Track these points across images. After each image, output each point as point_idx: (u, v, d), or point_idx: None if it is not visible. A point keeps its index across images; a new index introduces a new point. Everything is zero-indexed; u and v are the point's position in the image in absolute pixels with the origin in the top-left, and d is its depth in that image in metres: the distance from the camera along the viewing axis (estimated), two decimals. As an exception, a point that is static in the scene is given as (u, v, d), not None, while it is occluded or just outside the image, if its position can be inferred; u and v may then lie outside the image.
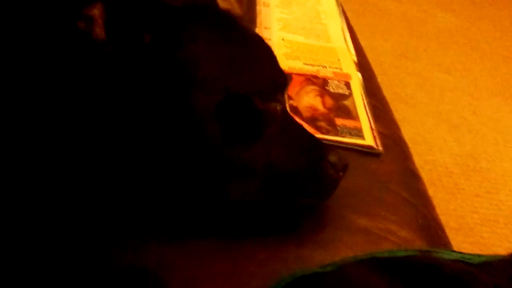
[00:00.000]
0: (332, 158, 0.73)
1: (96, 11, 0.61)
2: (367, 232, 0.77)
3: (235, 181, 0.68)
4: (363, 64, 1.13)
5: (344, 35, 1.17)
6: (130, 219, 0.69)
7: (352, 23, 1.33)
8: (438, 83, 2.54)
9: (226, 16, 0.72)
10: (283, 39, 1.10)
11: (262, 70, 0.70)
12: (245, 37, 0.72)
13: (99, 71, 0.62)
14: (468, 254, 0.63)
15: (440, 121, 2.30)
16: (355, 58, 1.11)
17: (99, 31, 0.61)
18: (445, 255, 0.62)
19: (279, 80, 0.72)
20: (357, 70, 1.07)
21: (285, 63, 1.00)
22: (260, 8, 1.20)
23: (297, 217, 0.74)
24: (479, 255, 0.63)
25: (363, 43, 1.28)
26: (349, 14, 1.36)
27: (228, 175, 0.68)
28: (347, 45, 1.14)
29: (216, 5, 0.73)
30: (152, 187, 0.67)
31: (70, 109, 0.62)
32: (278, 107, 0.70)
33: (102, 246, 0.67)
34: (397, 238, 0.78)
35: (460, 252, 0.65)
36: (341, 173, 0.74)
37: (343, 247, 0.74)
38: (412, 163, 0.96)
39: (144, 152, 0.65)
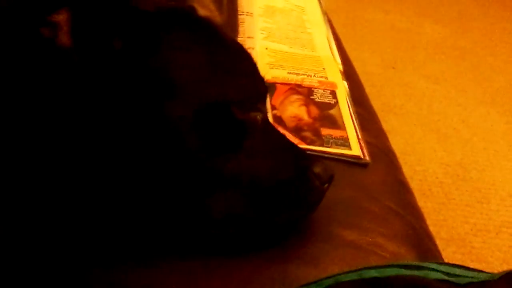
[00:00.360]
0: (317, 168, 0.70)
1: (61, 17, 0.58)
2: (355, 246, 0.74)
3: (216, 195, 0.65)
4: (349, 74, 1.11)
5: (329, 44, 1.15)
6: (109, 237, 0.65)
7: (340, 34, 1.31)
8: (426, 93, 2.54)
9: (204, 22, 0.70)
10: (266, 48, 1.08)
11: (242, 78, 0.67)
12: (224, 44, 0.69)
13: (64, 80, 0.59)
14: (458, 268, 0.60)
15: (429, 131, 2.29)
16: (341, 67, 1.08)
17: (64, 38, 0.58)
18: (432, 274, 0.59)
19: (260, 88, 0.69)
20: (343, 79, 1.04)
21: (269, 73, 0.97)
22: (243, 18, 1.17)
23: (281, 231, 0.71)
24: (467, 271, 0.60)
25: (350, 54, 1.26)
26: (336, 26, 1.34)
27: (208, 189, 0.65)
28: (332, 54, 1.11)
29: (194, 11, 0.70)
30: (129, 203, 0.64)
31: (33, 120, 0.59)
32: (258, 117, 0.67)
33: (83, 267, 0.64)
34: (385, 252, 0.75)
35: (450, 265, 0.62)
36: (326, 185, 0.72)
37: (330, 263, 0.71)
38: (401, 173, 0.93)
39: (119, 167, 0.62)
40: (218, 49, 0.68)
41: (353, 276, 0.60)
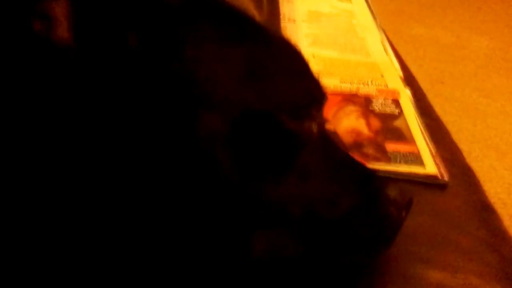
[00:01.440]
0: (392, 192, 0.55)
1: (58, 9, 0.44)
2: (443, 289, 0.58)
3: (262, 230, 0.50)
4: (410, 81, 0.95)
5: (385, 49, 0.99)
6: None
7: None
8: (480, 108, 2.41)
9: (240, 14, 0.55)
10: (313, 56, 0.93)
11: (290, 79, 0.52)
12: (265, 37, 0.54)
13: (62, 86, 0.45)
14: None
15: (487, 148, 2.15)
16: (401, 73, 0.92)
17: (62, 33, 0.44)
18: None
19: (315, 91, 0.54)
20: (406, 87, 0.88)
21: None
22: (285, 24, 1.03)
23: (348, 275, 0.56)
24: None
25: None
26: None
27: (251, 222, 0.50)
28: (390, 59, 0.96)
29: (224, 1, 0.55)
30: (155, 242, 0.49)
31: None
32: (314, 127, 0.52)
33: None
34: (481, 294, 0.58)
35: None
36: (404, 212, 0.56)
37: (413, 312, 0.55)
38: (484, 195, 0.77)
39: (140, 197, 0.47)
40: (259, 45, 0.53)
41: None
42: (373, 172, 0.58)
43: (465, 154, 2.10)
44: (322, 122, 0.55)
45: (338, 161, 0.55)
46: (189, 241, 0.50)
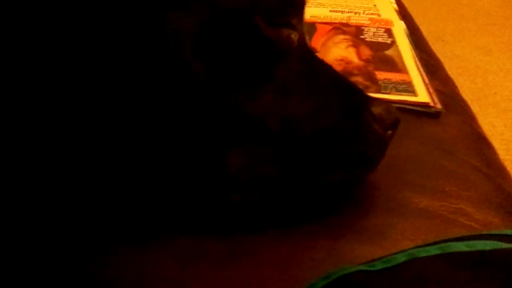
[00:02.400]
0: (377, 109, 0.51)
1: None
2: (431, 215, 0.55)
3: (237, 147, 0.46)
4: (404, 15, 0.90)
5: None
6: (108, 213, 0.48)
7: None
8: (480, 65, 2.37)
9: None
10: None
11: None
12: None
13: None
14: None
15: (486, 105, 2.12)
16: (395, 6, 0.88)
17: None
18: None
19: (294, -4, 0.50)
20: (400, 19, 0.84)
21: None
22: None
23: (330, 197, 0.52)
24: None
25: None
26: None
27: (225, 138, 0.46)
28: (383, -9, 0.91)
29: None
30: (124, 159, 0.46)
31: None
32: (293, 36, 0.48)
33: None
34: (472, 220, 0.55)
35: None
36: (390, 131, 0.52)
37: (399, 237, 0.52)
38: (478, 125, 0.73)
39: (110, 106, 0.44)
40: None
41: (434, 251, 0.45)
42: (358, 87, 0.54)
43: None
44: (302, 33, 0.51)
45: (320, 74, 0.51)
46: (162, 155, 0.46)
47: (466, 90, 2.16)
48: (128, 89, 0.44)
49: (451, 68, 2.27)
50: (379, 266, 0.42)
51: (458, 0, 2.89)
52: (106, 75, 0.43)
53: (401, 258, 0.43)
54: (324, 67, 0.53)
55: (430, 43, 2.53)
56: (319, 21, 0.79)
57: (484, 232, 0.50)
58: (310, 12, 0.80)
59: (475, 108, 2.08)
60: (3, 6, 0.42)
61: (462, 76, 2.26)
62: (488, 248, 0.45)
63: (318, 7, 0.82)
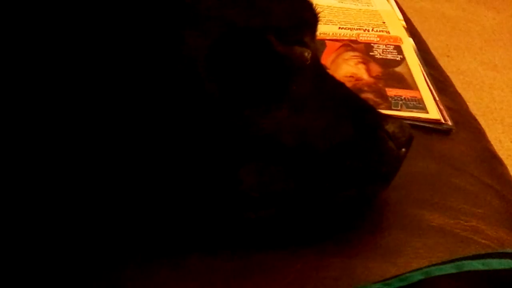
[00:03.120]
0: (391, 126, 0.51)
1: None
2: (445, 233, 0.54)
3: (251, 164, 0.46)
4: (413, 32, 0.90)
5: (388, -1, 0.95)
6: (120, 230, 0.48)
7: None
8: (486, 81, 2.37)
9: None
10: (312, 5, 0.88)
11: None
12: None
13: None
14: None
15: (492, 121, 2.10)
16: (404, 24, 0.88)
17: None
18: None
19: (307, 15, 0.50)
20: (408, 36, 0.84)
21: (317, 30, 0.78)
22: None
23: (343, 214, 0.52)
24: None
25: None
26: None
27: (241, 153, 0.46)
28: (392, 9, 0.91)
29: None
30: (138, 180, 0.46)
31: None
32: (307, 54, 0.48)
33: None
34: (486, 238, 0.55)
35: None
36: (403, 149, 0.52)
37: (413, 255, 0.52)
38: (488, 141, 0.73)
39: (124, 125, 0.44)
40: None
41: (450, 269, 0.45)
42: (371, 106, 0.54)
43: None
44: (315, 50, 0.51)
45: (333, 91, 0.51)
46: (176, 172, 0.46)
47: (472, 105, 2.15)
48: (142, 107, 0.44)
49: (457, 84, 2.25)
50: (395, 284, 0.42)
51: (463, 16, 2.89)
52: (122, 92, 0.43)
53: (417, 277, 0.43)
54: (336, 85, 0.53)
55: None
56: (328, 38, 0.79)
57: (499, 250, 0.50)
58: (320, 29, 0.80)
59: (481, 123, 2.08)
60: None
61: (467, 91, 2.26)
62: (503, 267, 0.45)
63: (328, 24, 0.83)
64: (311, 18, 0.50)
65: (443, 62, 2.57)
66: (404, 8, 2.79)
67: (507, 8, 3.02)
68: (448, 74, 2.56)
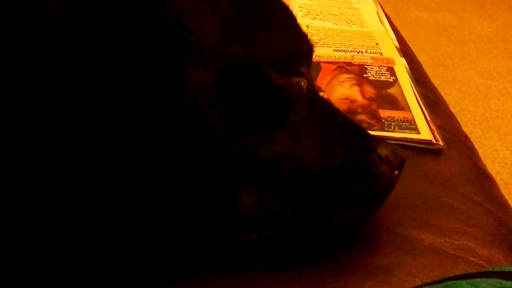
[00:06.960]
0: (384, 150, 0.53)
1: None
2: (437, 252, 0.57)
3: (250, 188, 0.49)
4: (405, 51, 0.93)
5: (380, 19, 0.97)
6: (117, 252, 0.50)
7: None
8: (482, 90, 2.38)
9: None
10: (307, 27, 0.90)
11: (278, 32, 0.51)
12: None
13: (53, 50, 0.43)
14: None
15: (488, 129, 2.12)
16: (396, 43, 0.91)
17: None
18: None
19: (303, 46, 0.53)
20: (401, 56, 0.87)
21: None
22: (278, -4, 1.00)
23: (338, 235, 0.54)
24: None
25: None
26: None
27: (240, 179, 0.48)
28: (385, 29, 0.94)
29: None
30: (138, 202, 0.48)
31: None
32: (303, 83, 0.50)
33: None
34: (476, 257, 0.57)
35: None
36: (396, 172, 0.54)
37: (406, 274, 0.54)
38: (480, 160, 0.75)
39: (123, 154, 0.46)
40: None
41: None
42: (364, 130, 0.56)
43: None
44: (310, 79, 0.54)
45: (328, 118, 0.54)
46: (177, 199, 0.48)
47: (468, 114, 2.18)
48: (145, 136, 0.46)
49: (452, 93, 2.31)
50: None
51: (459, 25, 2.92)
52: (125, 123, 0.46)
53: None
54: (332, 111, 0.55)
55: (431, 68, 2.57)
56: (323, 60, 0.82)
57: (488, 269, 0.52)
58: (315, 52, 0.83)
59: (477, 132, 2.11)
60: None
61: (463, 100, 2.28)
62: (491, 286, 0.47)
63: (323, 46, 0.85)
64: (307, 49, 0.53)
65: (439, 71, 2.60)
66: (399, 18, 2.82)
67: (502, 17, 3.04)
68: (444, 83, 2.58)
